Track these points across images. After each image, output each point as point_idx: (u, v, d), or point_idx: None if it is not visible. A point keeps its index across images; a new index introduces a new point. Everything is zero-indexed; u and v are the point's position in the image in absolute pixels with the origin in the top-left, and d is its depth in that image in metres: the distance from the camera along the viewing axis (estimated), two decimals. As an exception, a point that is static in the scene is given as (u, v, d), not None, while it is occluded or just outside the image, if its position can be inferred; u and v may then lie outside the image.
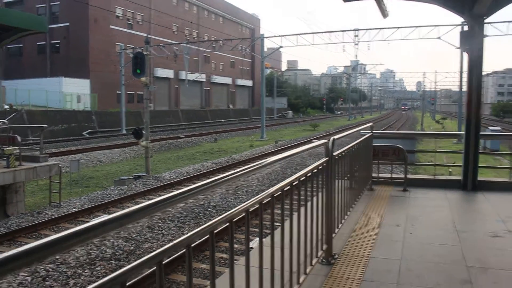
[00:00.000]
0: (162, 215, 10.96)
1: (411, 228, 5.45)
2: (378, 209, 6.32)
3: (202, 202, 12.23)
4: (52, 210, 11.99)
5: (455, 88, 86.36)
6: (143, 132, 15.92)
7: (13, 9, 38.50)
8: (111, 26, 49.78)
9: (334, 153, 4.33)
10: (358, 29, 33.02)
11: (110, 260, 8.07)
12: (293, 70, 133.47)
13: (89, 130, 37.89)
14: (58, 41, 47.94)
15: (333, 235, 4.46)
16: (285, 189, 3.17)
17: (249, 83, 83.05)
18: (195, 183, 2.35)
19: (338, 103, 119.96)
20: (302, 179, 3.44)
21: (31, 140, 20.26)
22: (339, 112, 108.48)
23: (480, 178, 7.92)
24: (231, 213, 2.40)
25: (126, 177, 15.51)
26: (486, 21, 7.28)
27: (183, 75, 52.84)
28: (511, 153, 9.36)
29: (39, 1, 48.84)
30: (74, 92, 43.56)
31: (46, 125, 15.89)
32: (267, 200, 2.90)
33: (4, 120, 15.12)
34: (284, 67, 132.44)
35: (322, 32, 34.34)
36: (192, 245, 2.12)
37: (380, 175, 8.09)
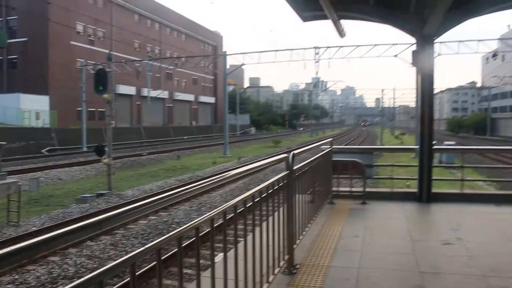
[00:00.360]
0: (125, 232, 10.90)
1: (369, 238, 5.69)
2: (338, 222, 6.54)
3: (165, 219, 12.21)
4: (10, 230, 11.69)
5: (413, 104, 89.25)
6: (106, 149, 15.77)
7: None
8: (71, 42, 49.11)
9: (294, 167, 4.53)
10: (318, 47, 33.81)
11: (73, 278, 7.97)
12: (255, 87, 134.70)
13: (48, 148, 37.01)
14: (16, 56, 46.82)
15: (295, 246, 4.62)
16: (247, 201, 3.31)
17: (211, 100, 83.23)
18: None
19: (300, 120, 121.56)
20: (263, 192, 3.60)
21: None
22: (301, 129, 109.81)
23: (434, 190, 8.30)
24: (180, 230, 2.43)
25: (88, 195, 15.29)
26: (439, 40, 7.75)
27: (145, 92, 52.53)
28: (462, 166, 9.85)
29: (-4, 15, 47.77)
30: (32, 108, 42.53)
31: (4, 142, 15.50)
32: (230, 213, 3.04)
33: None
34: (246, 84, 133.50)
35: (284, 50, 35.01)
36: (163, 257, 2.25)
37: (340, 189, 8.35)
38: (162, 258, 2.43)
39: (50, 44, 46.30)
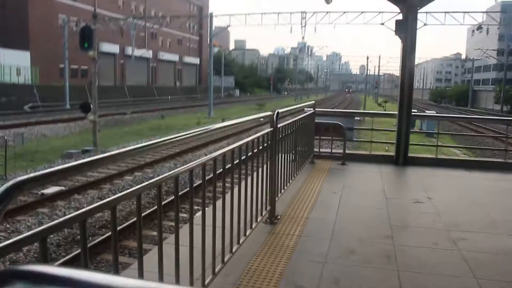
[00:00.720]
0: (112, 187, 11.21)
1: (346, 195, 6.10)
2: (318, 180, 6.93)
3: (151, 175, 12.52)
4: (-2, 183, 11.89)
5: (398, 73, 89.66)
6: (91, 106, 15.87)
7: None
8: (53, -3, 47.87)
9: (279, 125, 4.84)
10: (305, 12, 33.66)
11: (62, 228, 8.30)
12: (241, 49, 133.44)
13: (31, 104, 36.59)
14: (-5, 10, 45.52)
15: (276, 199, 4.98)
16: (227, 155, 3.53)
17: (196, 61, 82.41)
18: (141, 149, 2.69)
19: (285, 84, 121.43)
20: (244, 147, 3.88)
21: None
22: (285, 93, 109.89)
23: (411, 154, 8.75)
24: (160, 178, 2.59)
25: (74, 151, 15.48)
26: (425, 10, 8.00)
27: (129, 50, 51.81)
28: (437, 132, 10.32)
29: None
30: (13, 64, 41.72)
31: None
32: (210, 165, 3.31)
33: None
34: (232, 46, 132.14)
35: (270, 13, 34.81)
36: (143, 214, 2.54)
37: (322, 150, 8.73)
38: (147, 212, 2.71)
39: (30, -3, 44.94)
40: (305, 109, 7.83)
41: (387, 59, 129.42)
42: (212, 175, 3.33)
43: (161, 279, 2.49)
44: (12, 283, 0.65)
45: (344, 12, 32.46)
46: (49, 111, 34.17)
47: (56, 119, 27.38)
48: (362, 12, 32.04)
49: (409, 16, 7.86)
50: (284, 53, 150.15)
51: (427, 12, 30.75)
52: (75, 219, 1.87)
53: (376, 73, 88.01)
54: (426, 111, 37.74)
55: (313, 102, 8.42)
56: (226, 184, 3.93)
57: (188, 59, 78.95)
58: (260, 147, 4.36)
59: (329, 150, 8.69)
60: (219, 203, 3.49)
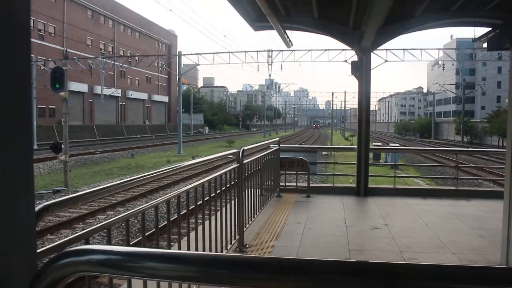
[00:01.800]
0: (84, 226, 11.35)
1: (309, 224, 6.57)
2: (284, 211, 7.40)
3: (122, 214, 12.70)
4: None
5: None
6: (62, 146, 16.03)
7: None
8: (20, 38, 47.83)
9: (244, 161, 5.33)
10: (271, 50, 34.86)
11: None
12: (209, 86, 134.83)
13: (-5, 146, 36.05)
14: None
15: (245, 229, 5.42)
16: (192, 191, 3.96)
17: (165, 99, 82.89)
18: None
19: (253, 120, 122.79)
20: (212, 182, 4.37)
21: None
22: (254, 129, 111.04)
23: (371, 185, 9.34)
24: (128, 214, 2.91)
25: (45, 191, 15.51)
26: (385, 48, 8.75)
27: (98, 89, 51.97)
28: (395, 164, 11.01)
29: None
30: (-22, 105, 41.19)
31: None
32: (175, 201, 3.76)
33: None
34: (200, 83, 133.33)
35: (238, 52, 35.84)
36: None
37: (287, 184, 9.25)
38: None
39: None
40: (271, 145, 8.37)
41: (352, 94, 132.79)
42: (185, 208, 3.75)
43: None
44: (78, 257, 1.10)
45: (309, 50, 33.81)
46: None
47: (24, 160, 27.08)
48: (326, 50, 33.41)
49: (363, 57, 8.59)
50: (252, 90, 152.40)
51: (387, 50, 32.41)
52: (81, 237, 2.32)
53: (342, 108, 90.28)
54: (390, 144, 39.03)
55: (277, 139, 8.97)
56: (199, 216, 4.36)
57: (157, 97, 79.35)
58: (228, 185, 4.85)
59: (295, 184, 9.20)
60: (192, 234, 3.91)
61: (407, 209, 7.92)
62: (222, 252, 4.57)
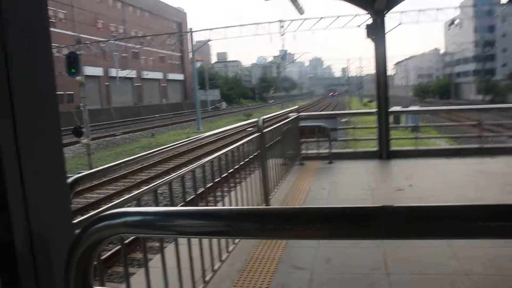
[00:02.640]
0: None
1: (333, 190, 6.59)
2: (307, 179, 7.42)
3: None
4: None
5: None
6: (83, 130, 16.24)
7: None
8: (33, 25, 48.06)
9: (264, 130, 5.33)
10: (283, 20, 34.41)
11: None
12: (223, 61, 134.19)
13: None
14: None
15: (270, 197, 5.47)
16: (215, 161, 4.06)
17: (180, 77, 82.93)
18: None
19: (270, 92, 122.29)
20: (234, 152, 4.41)
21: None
22: (271, 101, 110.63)
23: (394, 148, 9.29)
24: (156, 184, 3.12)
25: (70, 175, 15.75)
26: (399, 10, 8.56)
27: (113, 72, 52.23)
28: (416, 125, 10.90)
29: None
30: (-2, 95, 41.81)
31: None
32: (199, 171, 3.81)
33: None
34: (214, 59, 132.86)
35: (249, 24, 35.52)
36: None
37: (309, 151, 9.24)
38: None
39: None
40: (290, 114, 8.35)
41: (368, 60, 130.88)
42: (209, 179, 3.80)
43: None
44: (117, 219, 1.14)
45: (321, 18, 33.26)
46: (39, 139, 34.30)
47: (47, 146, 27.58)
48: (338, 17, 32.83)
49: (378, 19, 8.42)
50: (267, 62, 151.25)
51: (401, 12, 31.71)
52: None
53: (359, 74, 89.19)
54: (411, 107, 38.55)
55: (296, 107, 8.94)
56: (225, 188, 4.42)
57: (172, 76, 79.45)
58: (251, 156, 4.89)
59: (316, 151, 9.20)
60: (220, 205, 3.98)
61: (431, 169, 7.87)
62: None
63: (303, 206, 1.06)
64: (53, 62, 1.60)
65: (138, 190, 2.93)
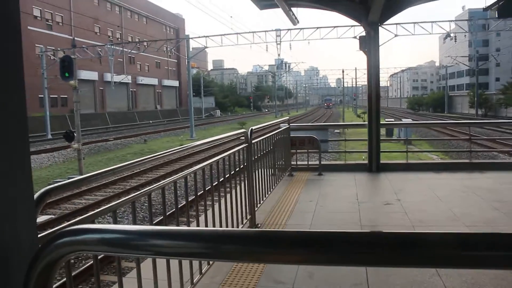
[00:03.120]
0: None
1: (321, 202, 6.56)
2: (296, 190, 7.39)
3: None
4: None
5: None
6: (75, 134, 16.14)
7: None
8: (29, 27, 47.97)
9: (254, 141, 5.30)
10: (279, 29, 34.51)
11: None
12: (219, 69, 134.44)
13: (11, 136, 36.48)
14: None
15: (256, 209, 5.42)
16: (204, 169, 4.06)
17: (175, 83, 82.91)
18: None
19: (265, 101, 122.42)
20: (221, 162, 4.39)
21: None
22: (266, 110, 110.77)
23: (383, 161, 9.27)
24: (134, 196, 2.95)
25: (60, 180, 15.68)
26: (395, 22, 8.59)
27: (108, 77, 52.07)
28: (406, 138, 10.89)
29: None
30: (-9, 97, 41.55)
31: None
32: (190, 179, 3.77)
33: None
34: (210, 66, 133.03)
35: (246, 33, 35.59)
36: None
37: (299, 162, 9.21)
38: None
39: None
40: (281, 124, 8.34)
41: (363, 71, 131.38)
42: (196, 189, 3.76)
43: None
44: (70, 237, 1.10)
45: (317, 28, 33.40)
46: (31, 142, 34.11)
47: (39, 149, 27.44)
48: (335, 27, 32.96)
49: (371, 31, 8.44)
50: (262, 70, 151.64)
51: (396, 24, 31.85)
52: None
53: (354, 85, 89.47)
54: (403, 119, 38.72)
55: (287, 118, 8.93)
56: (209, 198, 4.38)
57: (167, 82, 79.42)
58: (237, 168, 4.86)
59: (306, 162, 9.17)
60: (202, 218, 3.94)
61: (420, 183, 7.86)
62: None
63: (286, 230, 1.04)
64: (22, 65, 1.53)
65: (115, 201, 2.88)
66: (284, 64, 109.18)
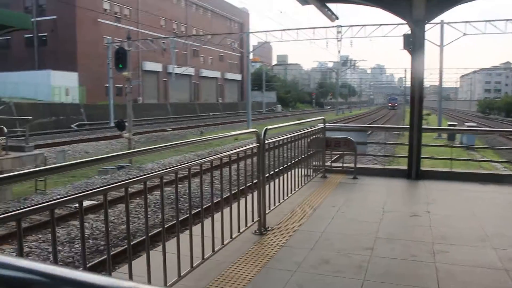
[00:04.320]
0: (139, 201, 11.72)
1: (344, 208, 6.24)
2: (324, 193, 7.10)
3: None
4: (38, 197, 12.67)
5: (444, 85, 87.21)
6: (126, 124, 16.61)
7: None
8: (98, 20, 50.01)
9: (267, 141, 5.11)
10: (341, 26, 33.75)
11: (88, 239, 8.83)
12: (283, 64, 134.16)
13: (77, 123, 38.35)
14: (46, 34, 48.09)
15: (267, 211, 5.23)
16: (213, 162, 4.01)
17: (238, 77, 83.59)
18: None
19: (327, 98, 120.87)
20: (231, 156, 4.30)
21: (18, 131, 20.83)
22: (328, 107, 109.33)
23: (423, 168, 8.75)
24: (146, 176, 3.09)
25: (110, 167, 16.20)
26: (463, 20, 8.05)
27: (171, 69, 53.36)
28: (452, 146, 10.24)
29: (26, -6, 49.00)
30: (62, 85, 43.85)
31: (31, 117, 16.51)
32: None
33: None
34: (274, 61, 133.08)
35: (306, 28, 35.11)
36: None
37: (334, 164, 8.90)
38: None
39: (78, 21, 47.27)
40: (318, 124, 8.08)
41: (430, 70, 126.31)
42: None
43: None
44: None
45: (380, 25, 32.29)
46: (94, 129, 35.66)
47: (99, 136, 28.58)
48: (398, 24, 31.71)
49: (416, 30, 7.95)
50: (327, 67, 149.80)
51: (465, 22, 30.24)
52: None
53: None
54: (466, 124, 36.82)
55: (323, 117, 8.62)
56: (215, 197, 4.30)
57: (230, 75, 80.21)
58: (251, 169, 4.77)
59: (341, 164, 8.84)
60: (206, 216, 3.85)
61: (458, 195, 7.32)
62: (240, 229, 4.51)
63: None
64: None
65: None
66: (349, 62, 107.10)
